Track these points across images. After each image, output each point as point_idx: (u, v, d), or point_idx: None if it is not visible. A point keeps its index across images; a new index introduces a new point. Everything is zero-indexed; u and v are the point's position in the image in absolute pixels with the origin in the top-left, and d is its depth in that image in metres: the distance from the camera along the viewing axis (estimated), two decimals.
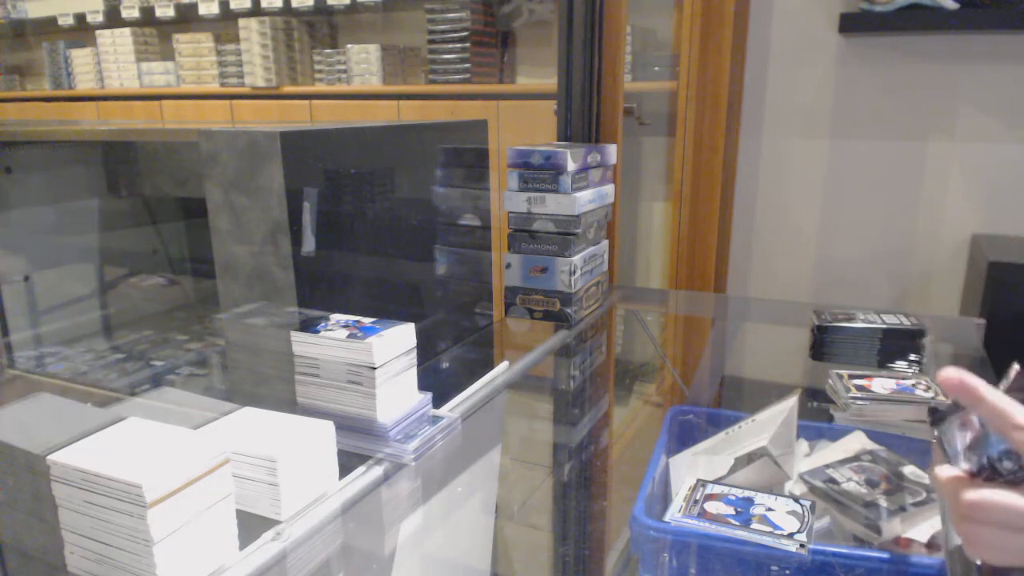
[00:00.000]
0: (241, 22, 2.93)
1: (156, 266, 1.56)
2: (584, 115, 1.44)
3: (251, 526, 0.61)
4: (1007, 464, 0.48)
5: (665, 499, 0.85)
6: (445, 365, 1.08)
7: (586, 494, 0.96)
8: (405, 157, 1.01)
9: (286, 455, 0.62)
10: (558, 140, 1.47)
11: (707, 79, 1.91)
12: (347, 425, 0.73)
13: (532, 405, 1.17)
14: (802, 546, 0.67)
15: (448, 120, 1.18)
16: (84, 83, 3.55)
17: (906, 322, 1.17)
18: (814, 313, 1.22)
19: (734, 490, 0.77)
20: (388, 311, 0.99)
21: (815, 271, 2.13)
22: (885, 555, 0.68)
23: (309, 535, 0.63)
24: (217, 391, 1.18)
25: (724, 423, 0.92)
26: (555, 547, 0.90)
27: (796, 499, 0.75)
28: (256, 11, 2.95)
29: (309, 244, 0.82)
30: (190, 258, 1.58)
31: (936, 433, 0.54)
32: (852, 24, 1.86)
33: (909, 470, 0.80)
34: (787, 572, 0.69)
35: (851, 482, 0.78)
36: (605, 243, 1.37)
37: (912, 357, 1.13)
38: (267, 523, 0.62)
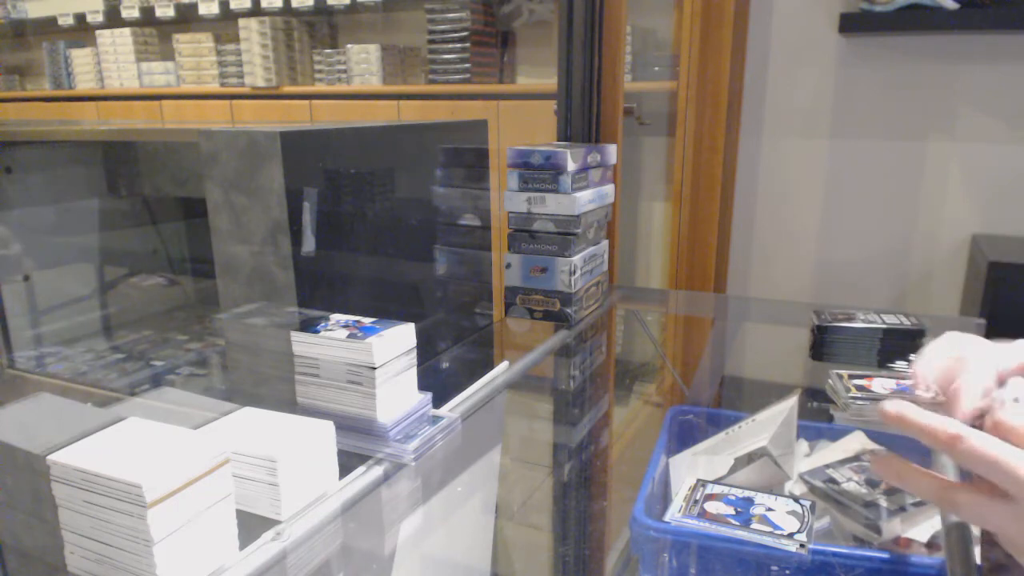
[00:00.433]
0: (241, 22, 2.93)
1: (156, 266, 1.56)
2: (584, 115, 1.44)
3: (251, 526, 0.61)
4: None
5: (665, 499, 0.85)
6: (445, 365, 1.08)
7: (586, 494, 0.97)
8: (405, 157, 1.01)
9: (286, 455, 0.62)
10: (558, 140, 1.47)
11: (707, 79, 1.91)
12: (347, 425, 0.73)
13: (532, 405, 1.17)
14: (802, 546, 0.67)
15: (448, 120, 1.18)
16: (84, 83, 3.56)
17: (906, 322, 1.17)
18: (814, 313, 1.22)
19: (734, 490, 0.77)
20: (388, 311, 0.99)
21: (815, 271, 2.13)
22: (885, 555, 0.68)
23: (309, 535, 0.63)
24: (217, 391, 1.18)
25: (724, 423, 0.92)
26: (555, 547, 0.90)
27: (796, 499, 0.75)
28: (256, 11, 2.95)
29: (309, 244, 0.82)
30: (190, 258, 1.58)
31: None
32: (852, 24, 1.86)
33: None
34: (787, 572, 0.69)
35: (851, 482, 0.78)
36: (605, 243, 1.37)
37: (912, 357, 1.13)
38: (267, 523, 0.62)
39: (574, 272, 1.21)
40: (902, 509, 0.73)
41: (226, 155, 0.80)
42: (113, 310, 1.50)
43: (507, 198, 1.23)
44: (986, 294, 1.59)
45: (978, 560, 0.55)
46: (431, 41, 2.62)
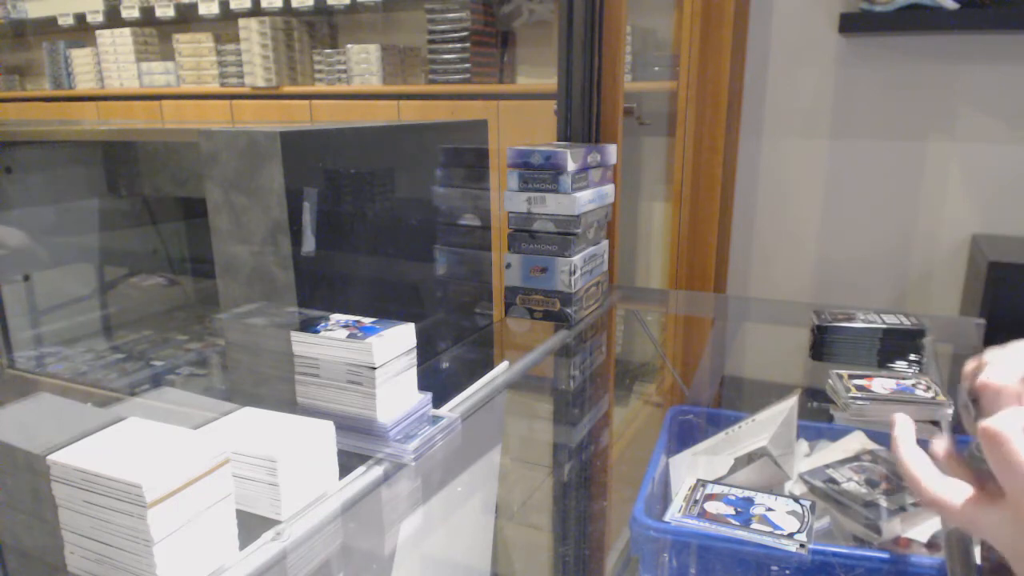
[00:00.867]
0: (241, 22, 2.93)
1: (156, 266, 1.56)
2: (584, 115, 1.44)
3: (251, 526, 0.61)
4: None
5: (665, 499, 0.85)
6: (445, 365, 1.08)
7: (586, 494, 0.97)
8: (405, 157, 1.01)
9: (286, 455, 0.62)
10: (558, 140, 1.47)
11: (707, 79, 1.91)
12: (347, 425, 0.73)
13: (532, 405, 1.17)
14: (802, 546, 0.67)
15: (448, 120, 1.18)
16: (84, 83, 3.56)
17: (906, 322, 1.17)
18: (814, 313, 1.22)
19: (734, 490, 0.77)
20: (388, 311, 0.99)
21: (815, 271, 2.13)
22: (885, 555, 0.68)
23: (309, 535, 0.63)
24: (217, 391, 1.18)
25: (724, 423, 0.92)
26: (555, 547, 0.90)
27: (796, 499, 0.75)
28: (256, 11, 2.95)
29: (309, 244, 0.82)
30: (190, 258, 1.58)
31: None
32: (852, 24, 1.86)
33: None
34: (787, 572, 0.69)
35: (851, 482, 0.78)
36: (605, 243, 1.37)
37: (912, 357, 1.13)
38: (267, 523, 0.62)
39: (574, 272, 1.21)
40: (902, 509, 0.73)
41: (226, 155, 0.80)
42: (113, 310, 1.50)
43: (507, 198, 1.23)
44: (986, 294, 1.59)
45: (978, 560, 0.55)
46: (431, 41, 2.62)
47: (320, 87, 2.94)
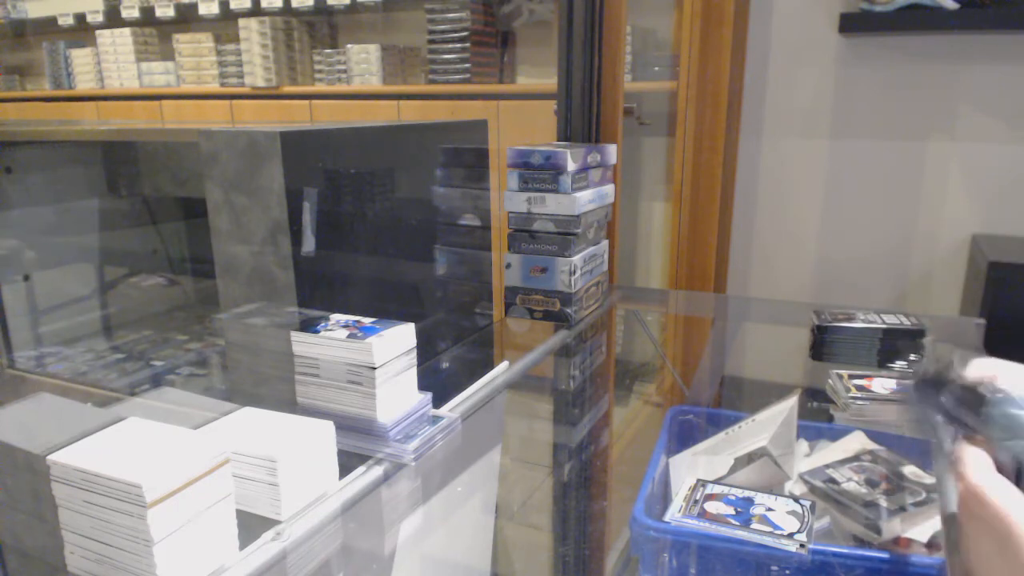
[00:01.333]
0: (241, 22, 2.93)
1: (156, 266, 1.56)
2: (584, 115, 1.44)
3: (251, 526, 0.61)
4: None
5: (665, 499, 0.85)
6: (445, 365, 1.08)
7: (586, 494, 0.97)
8: (405, 157, 1.01)
9: (286, 455, 0.62)
10: (558, 140, 1.47)
11: (707, 79, 1.91)
12: (347, 425, 0.73)
13: (532, 405, 1.17)
14: (802, 546, 0.67)
15: (448, 120, 1.18)
16: (84, 83, 3.55)
17: (906, 322, 1.17)
18: (814, 313, 1.22)
19: (734, 490, 0.77)
20: (388, 311, 0.99)
21: (815, 271, 2.13)
22: (885, 555, 0.68)
23: (309, 535, 0.63)
24: (217, 391, 1.18)
25: (724, 423, 0.92)
26: (555, 547, 0.90)
27: (796, 499, 0.75)
28: (256, 11, 2.95)
29: (309, 244, 0.82)
30: (190, 258, 1.58)
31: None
32: (852, 24, 1.86)
33: (909, 470, 0.80)
34: (787, 572, 0.69)
35: (851, 482, 0.78)
36: (605, 243, 1.37)
37: (912, 357, 1.13)
38: (267, 523, 0.62)
39: (574, 272, 1.21)
40: (902, 509, 0.73)
41: (226, 155, 0.80)
42: (113, 310, 1.50)
43: (507, 198, 1.23)
44: (986, 294, 1.59)
45: None
46: (431, 41, 2.62)
47: (320, 87, 2.94)
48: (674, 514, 0.73)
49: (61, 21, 3.50)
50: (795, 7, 2.00)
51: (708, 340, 1.48)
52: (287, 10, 2.91)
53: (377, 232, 0.95)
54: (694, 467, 0.87)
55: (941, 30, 1.81)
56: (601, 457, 1.06)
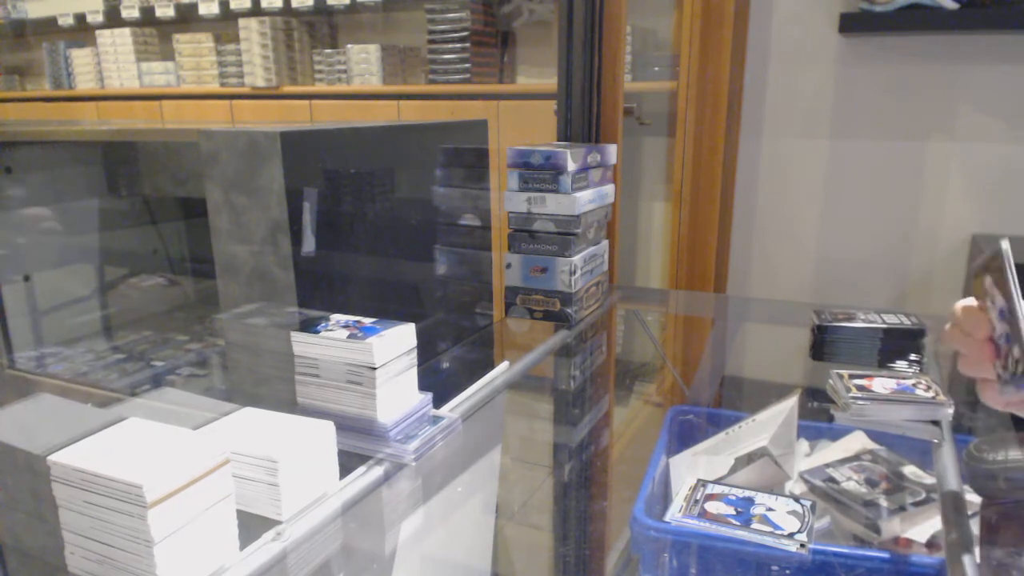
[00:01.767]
0: (241, 22, 2.93)
1: (156, 266, 1.56)
2: (584, 115, 1.44)
3: (251, 526, 0.61)
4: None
5: (665, 499, 0.85)
6: (445, 365, 1.08)
7: (586, 494, 0.96)
8: (405, 157, 1.01)
9: (286, 455, 0.62)
10: (558, 140, 1.46)
11: (707, 79, 1.91)
12: (347, 425, 0.73)
13: (532, 405, 1.17)
14: (802, 546, 0.67)
15: (448, 120, 1.18)
16: (84, 83, 3.55)
17: (906, 322, 1.17)
18: (814, 313, 1.22)
19: (734, 490, 0.77)
20: (388, 311, 0.99)
21: (815, 271, 2.13)
22: (885, 555, 0.68)
23: (309, 535, 0.63)
24: (217, 391, 1.18)
25: (724, 423, 0.92)
26: (555, 547, 0.90)
27: (796, 499, 0.75)
28: (256, 11, 2.95)
29: (309, 244, 0.82)
30: (190, 258, 1.58)
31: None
32: (852, 24, 1.86)
33: (909, 470, 0.80)
34: (787, 572, 0.69)
35: (851, 481, 0.78)
36: (605, 243, 1.37)
37: (912, 357, 1.13)
38: (267, 523, 0.62)
39: (574, 272, 1.21)
40: (902, 509, 0.73)
41: (226, 155, 0.80)
42: (113, 310, 1.50)
43: (507, 198, 1.23)
44: None
45: (977, 559, 0.55)
46: (431, 41, 2.62)
47: (320, 87, 2.94)
48: (674, 514, 0.73)
49: (61, 21, 3.49)
50: (795, 7, 2.00)
51: (708, 340, 1.48)
52: (287, 10, 2.91)
53: (377, 232, 0.95)
54: (694, 467, 0.87)
55: (941, 30, 1.81)
56: (601, 457, 1.06)
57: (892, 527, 0.71)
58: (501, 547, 0.91)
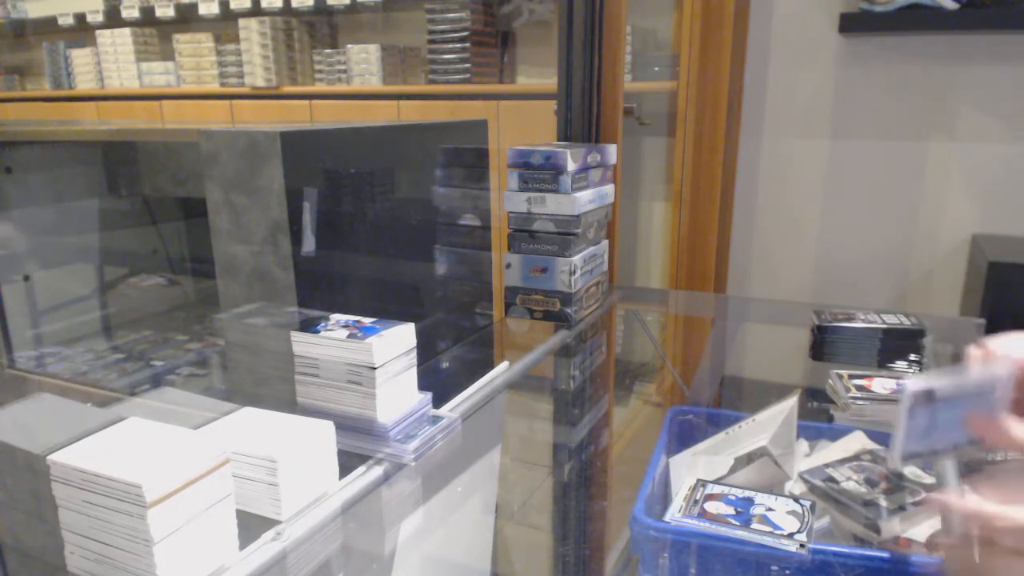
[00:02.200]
0: (241, 22, 2.93)
1: (156, 266, 1.56)
2: (584, 115, 1.44)
3: (251, 526, 0.61)
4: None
5: (665, 499, 0.85)
6: (445, 365, 1.08)
7: (586, 494, 0.97)
8: (405, 157, 1.01)
9: (286, 455, 0.62)
10: (558, 140, 1.46)
11: (707, 79, 1.91)
12: (347, 425, 0.73)
13: (532, 405, 1.17)
14: (802, 546, 0.67)
15: (448, 120, 1.18)
16: (84, 83, 3.55)
17: (906, 322, 1.17)
18: (814, 313, 1.22)
19: (734, 490, 0.77)
20: (388, 311, 0.99)
21: (815, 271, 2.13)
22: (885, 555, 0.68)
23: (309, 535, 0.63)
24: (217, 391, 1.18)
25: (724, 423, 0.92)
26: (555, 547, 0.90)
27: (796, 499, 0.75)
28: (256, 11, 2.95)
29: (309, 244, 0.82)
30: (190, 258, 1.58)
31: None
32: (852, 24, 1.86)
33: (909, 470, 0.80)
34: (787, 572, 0.69)
35: (851, 481, 0.78)
36: (605, 243, 1.37)
37: (912, 357, 1.13)
38: (267, 523, 0.62)
39: (574, 272, 1.21)
40: (901, 508, 0.73)
41: (226, 155, 0.80)
42: (113, 310, 1.50)
43: (507, 198, 1.23)
44: (986, 294, 1.59)
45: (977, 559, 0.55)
46: (431, 41, 2.62)
47: (320, 87, 2.94)
48: (674, 514, 0.73)
49: (61, 21, 3.49)
50: (795, 7, 2.00)
51: (708, 340, 1.48)
52: (287, 10, 2.91)
53: (377, 232, 0.95)
54: (694, 467, 0.87)
55: (941, 30, 1.81)
56: (601, 457, 1.06)
57: (892, 527, 0.71)
58: (501, 547, 0.91)
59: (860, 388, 0.97)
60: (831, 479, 0.79)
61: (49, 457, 0.53)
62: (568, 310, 1.22)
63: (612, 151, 1.37)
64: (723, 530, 0.70)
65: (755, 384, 1.33)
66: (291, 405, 0.76)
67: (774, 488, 0.81)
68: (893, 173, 1.98)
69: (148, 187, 1.31)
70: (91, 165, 1.36)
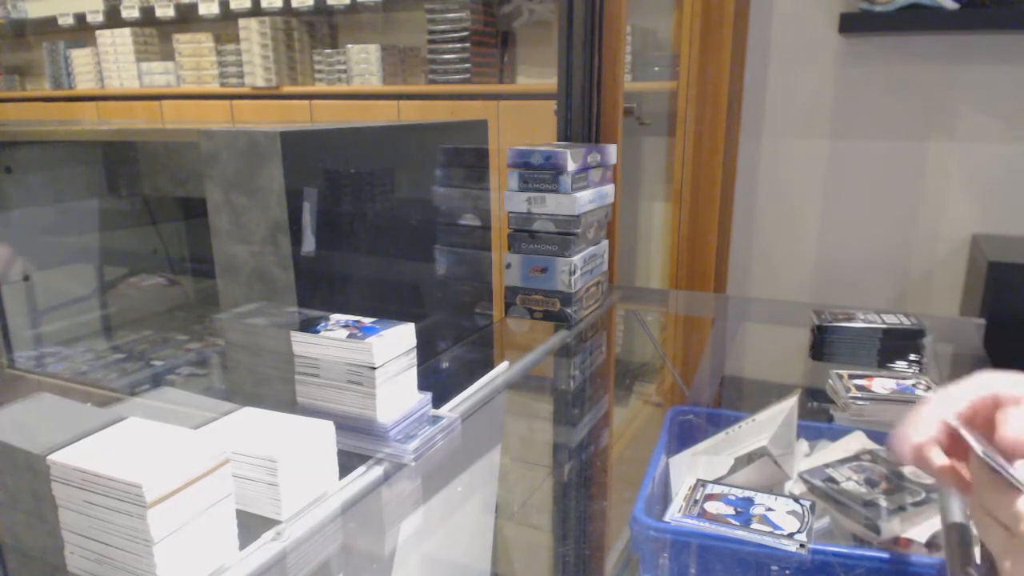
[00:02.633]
0: (241, 22, 2.93)
1: (156, 266, 1.56)
2: (584, 115, 1.44)
3: (251, 526, 0.61)
4: None
5: (665, 499, 0.85)
6: (445, 365, 1.08)
7: (586, 494, 0.96)
8: (405, 157, 1.01)
9: (286, 455, 0.62)
10: (558, 140, 1.47)
11: (707, 79, 1.91)
12: (347, 425, 0.73)
13: (532, 405, 1.17)
14: (802, 546, 0.67)
15: (448, 120, 1.18)
16: (84, 83, 3.55)
17: (906, 322, 1.17)
18: (814, 313, 1.22)
19: (734, 490, 0.77)
20: (388, 311, 0.99)
21: (815, 271, 2.13)
22: (885, 555, 0.68)
23: (309, 535, 0.63)
24: (217, 391, 1.18)
25: (724, 423, 0.92)
26: (555, 547, 0.90)
27: (796, 499, 0.75)
28: (256, 11, 2.95)
29: (309, 244, 0.82)
30: (190, 258, 1.58)
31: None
32: (852, 24, 1.86)
33: (909, 470, 0.80)
34: (787, 572, 0.69)
35: (850, 481, 0.78)
36: (605, 243, 1.37)
37: (912, 357, 1.13)
38: (267, 523, 0.62)
39: (574, 272, 1.21)
40: (901, 509, 0.73)
41: (226, 155, 0.80)
42: (113, 310, 1.50)
43: (507, 198, 1.23)
44: (986, 294, 1.59)
45: (978, 560, 0.55)
46: (431, 41, 2.62)
47: (320, 87, 2.94)
48: (674, 514, 0.73)
49: (61, 21, 3.49)
50: (795, 7, 2.00)
51: (708, 340, 1.48)
52: (287, 10, 2.91)
53: (377, 232, 0.95)
54: (694, 467, 0.87)
55: (941, 30, 1.81)
56: (601, 457, 1.06)
57: (892, 527, 0.71)
58: (501, 547, 0.91)
59: (860, 388, 0.97)
60: (831, 479, 0.79)
61: (49, 457, 0.53)
62: (568, 310, 1.22)
63: (612, 151, 1.37)
64: (723, 530, 0.70)
65: (755, 384, 1.33)
66: (291, 405, 0.76)
67: (774, 488, 0.81)
68: (893, 173, 1.98)
69: (148, 187, 1.31)
70: (91, 165, 1.36)
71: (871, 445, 0.88)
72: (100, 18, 3.39)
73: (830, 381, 1.02)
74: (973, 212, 1.92)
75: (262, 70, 2.92)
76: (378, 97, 2.77)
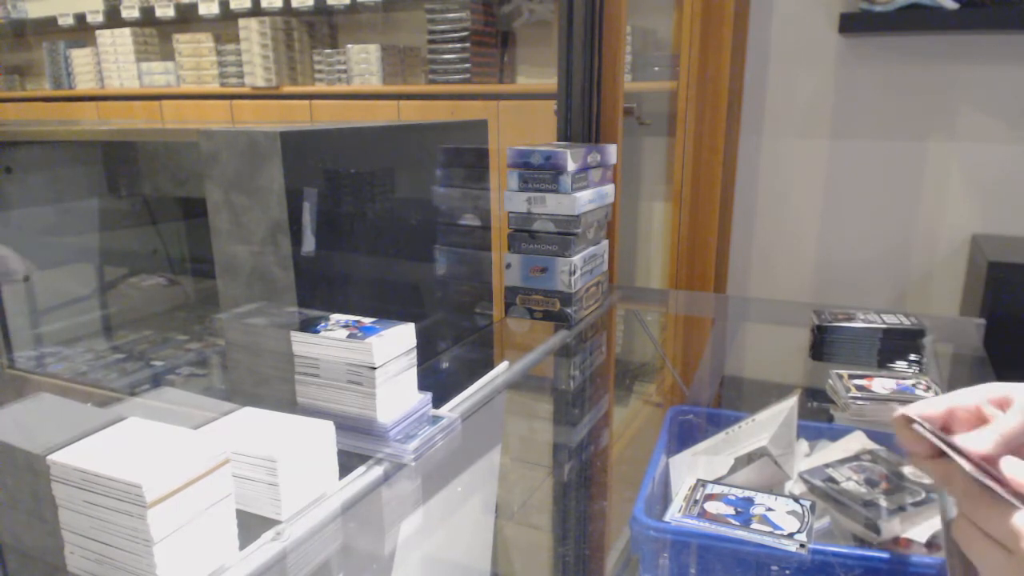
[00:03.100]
0: (241, 22, 2.93)
1: (156, 266, 1.56)
2: (584, 115, 1.44)
3: (251, 526, 0.61)
4: None
5: (665, 499, 0.85)
6: (445, 365, 1.08)
7: (586, 494, 0.96)
8: (405, 157, 1.01)
9: (286, 455, 0.62)
10: (558, 140, 1.47)
11: (707, 79, 1.91)
12: (347, 425, 0.73)
13: (532, 405, 1.17)
14: (802, 546, 0.67)
15: (448, 120, 1.18)
16: (84, 83, 3.55)
17: (906, 322, 1.17)
18: (814, 313, 1.22)
19: (734, 490, 0.77)
20: (388, 311, 0.99)
21: (815, 271, 2.13)
22: (885, 555, 0.68)
23: (309, 535, 0.63)
24: (217, 391, 1.18)
25: (724, 423, 0.92)
26: (555, 547, 0.90)
27: (796, 499, 0.75)
28: (256, 11, 2.95)
29: (309, 244, 0.82)
30: (190, 258, 1.58)
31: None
32: (852, 24, 1.86)
33: (909, 470, 0.80)
34: (787, 572, 0.69)
35: (851, 481, 0.78)
36: (605, 243, 1.37)
37: (912, 357, 1.13)
38: (267, 523, 0.62)
39: (574, 272, 1.21)
40: (901, 509, 0.73)
41: (226, 155, 0.80)
42: (113, 310, 1.50)
43: (507, 198, 1.23)
44: (986, 294, 1.59)
45: None
46: (431, 41, 2.62)
47: (320, 87, 2.94)
48: (674, 514, 0.73)
49: (61, 21, 3.49)
50: (795, 7, 2.00)
51: (708, 340, 1.48)
52: (287, 10, 2.91)
53: (377, 232, 0.95)
54: (694, 467, 0.87)
55: (941, 30, 1.81)
56: (601, 457, 1.06)
57: (892, 527, 0.71)
58: (501, 547, 0.91)
59: (860, 388, 0.97)
60: (831, 479, 0.79)
61: (49, 457, 0.53)
62: (568, 310, 1.22)
63: (612, 151, 1.37)
64: (723, 530, 0.70)
65: (755, 384, 1.33)
66: (291, 405, 0.76)
67: (774, 488, 0.81)
68: (893, 173, 1.98)
69: (148, 187, 1.31)
70: (91, 165, 1.36)
71: (871, 445, 0.88)
72: (100, 18, 3.39)
73: (830, 381, 1.02)
74: (973, 212, 1.92)
75: (262, 70, 2.92)
76: (378, 97, 2.77)
